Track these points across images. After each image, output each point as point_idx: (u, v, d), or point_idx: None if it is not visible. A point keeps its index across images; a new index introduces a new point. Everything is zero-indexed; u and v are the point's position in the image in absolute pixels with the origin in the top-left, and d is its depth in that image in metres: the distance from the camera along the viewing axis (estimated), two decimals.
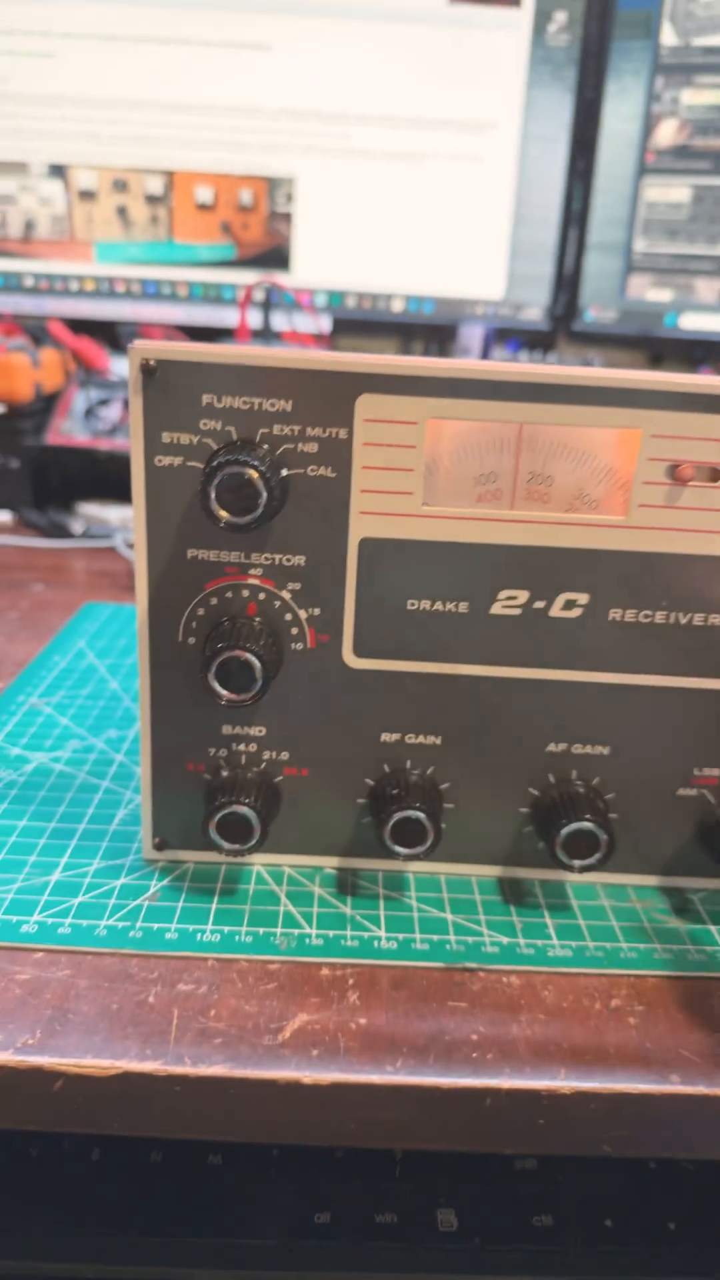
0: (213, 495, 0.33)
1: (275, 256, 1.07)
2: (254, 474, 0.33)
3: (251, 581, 0.37)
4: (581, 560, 0.37)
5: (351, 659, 0.38)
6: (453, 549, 0.37)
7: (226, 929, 0.38)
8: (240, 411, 0.35)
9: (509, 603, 0.38)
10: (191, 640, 0.38)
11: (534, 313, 1.08)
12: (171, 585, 0.37)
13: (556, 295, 1.08)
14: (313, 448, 0.35)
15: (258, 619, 0.37)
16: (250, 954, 0.37)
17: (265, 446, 0.35)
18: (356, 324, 1.10)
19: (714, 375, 0.34)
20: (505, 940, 0.38)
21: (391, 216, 1.05)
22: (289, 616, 0.38)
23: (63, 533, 0.88)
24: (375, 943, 0.38)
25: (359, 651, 0.38)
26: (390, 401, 0.35)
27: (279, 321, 1.01)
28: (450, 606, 0.38)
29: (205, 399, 0.35)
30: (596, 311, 1.07)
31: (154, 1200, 0.40)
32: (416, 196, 1.05)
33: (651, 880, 0.42)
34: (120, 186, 1.05)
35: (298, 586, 0.37)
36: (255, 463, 0.33)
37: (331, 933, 0.38)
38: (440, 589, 0.38)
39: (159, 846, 0.41)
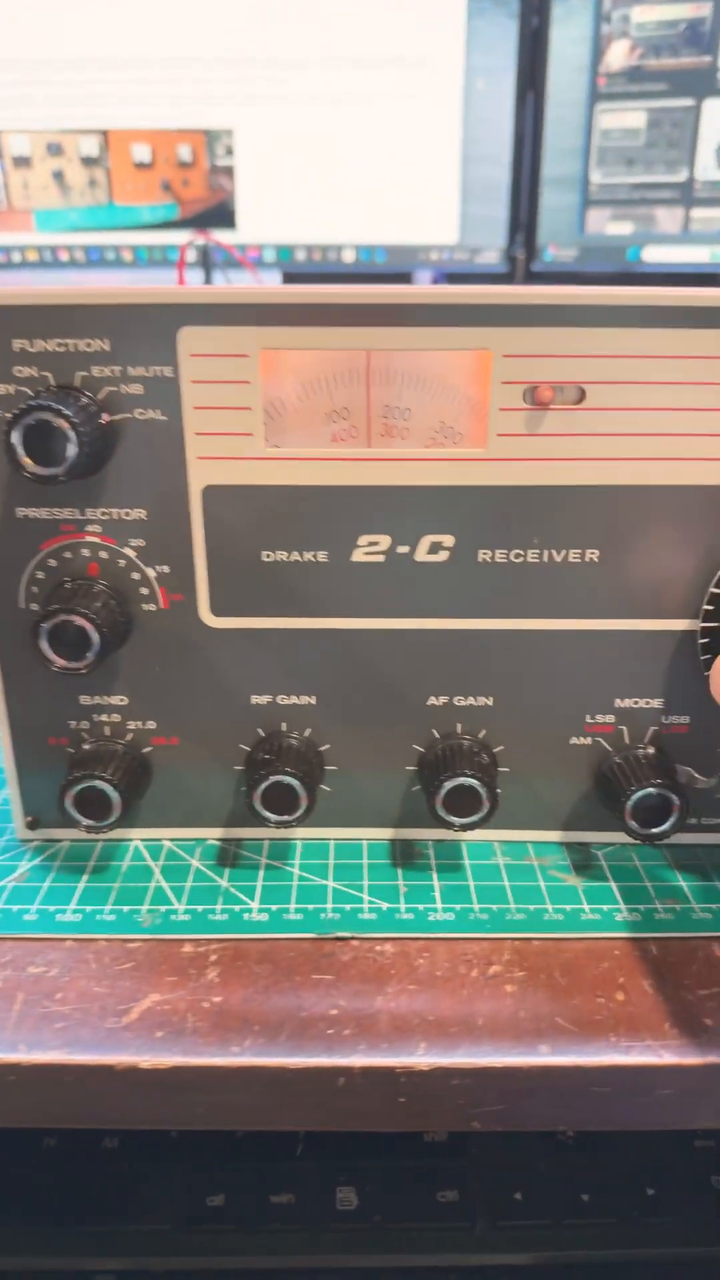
0: (17, 446, 0.31)
1: (220, 213, 1.04)
2: (59, 420, 0.30)
3: (90, 539, 0.35)
4: (442, 499, 0.34)
5: (210, 618, 0.36)
6: (304, 493, 0.34)
7: (90, 908, 0.36)
8: (55, 355, 0.32)
9: (370, 549, 0.35)
10: (35, 606, 0.36)
11: (491, 255, 1.04)
12: (5, 548, 0.35)
13: (513, 236, 1.04)
14: (138, 389, 0.33)
15: (101, 580, 0.35)
16: (111, 933, 0.35)
17: (86, 391, 0.33)
18: (307, 278, 1.06)
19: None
20: (385, 906, 0.36)
21: (337, 164, 1.01)
22: (136, 576, 0.35)
23: None
24: (245, 915, 0.36)
25: (216, 610, 0.36)
26: (215, 333, 0.32)
27: (220, 282, 0.98)
28: (308, 556, 0.35)
29: (17, 344, 0.32)
30: (555, 250, 1.03)
31: (44, 1188, 0.39)
32: (361, 141, 1.00)
33: (552, 835, 0.40)
34: (55, 150, 1.02)
35: (141, 543, 0.35)
36: (59, 407, 0.30)
37: (201, 907, 0.36)
38: (295, 538, 0.35)
39: (32, 825, 0.39)
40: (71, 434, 0.31)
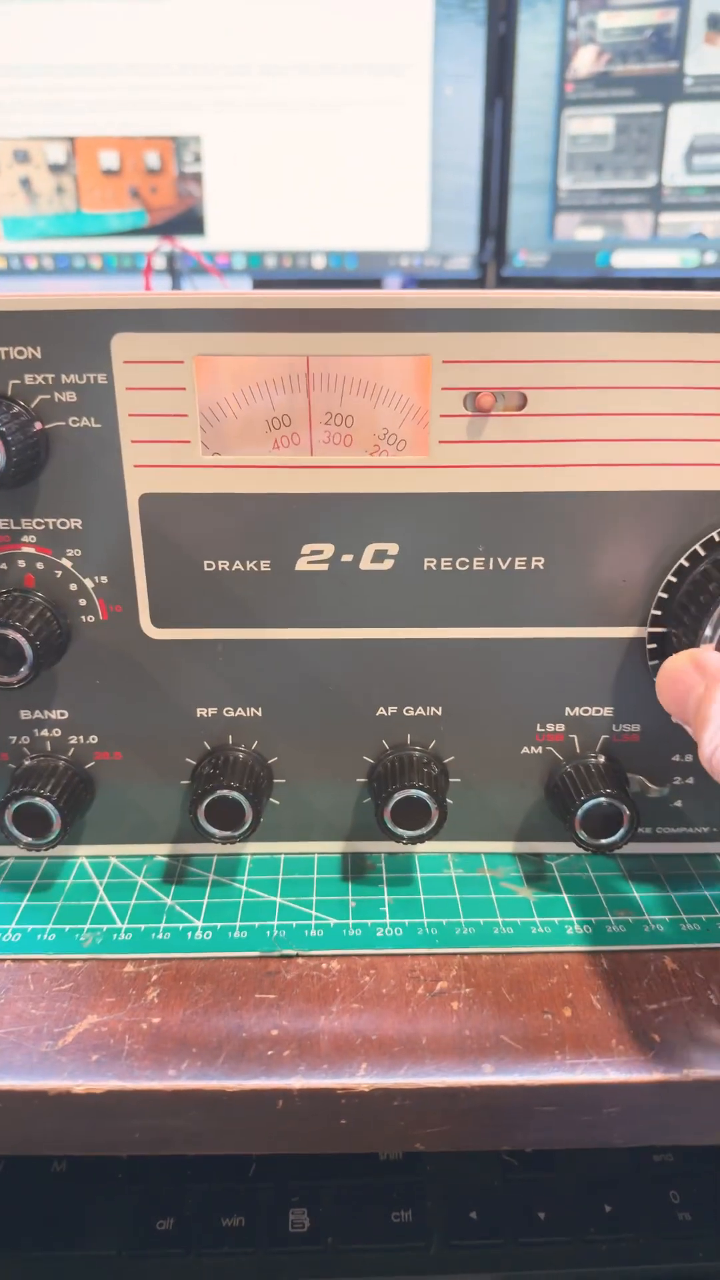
0: None
1: (188, 220, 1.03)
2: None
3: (26, 550, 0.34)
4: (385, 507, 0.34)
5: (151, 629, 0.35)
6: (244, 501, 0.34)
7: (31, 927, 0.35)
8: None
9: (314, 558, 0.34)
10: None
11: (461, 261, 1.04)
12: None
13: (483, 241, 1.03)
14: (71, 396, 0.32)
15: (37, 592, 0.34)
16: (51, 953, 0.34)
17: (18, 400, 0.32)
18: (278, 284, 1.05)
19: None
20: (333, 922, 0.35)
21: (306, 170, 1.01)
22: (73, 586, 0.35)
23: None
24: (190, 934, 0.35)
25: (158, 621, 0.35)
26: (149, 340, 0.31)
27: (189, 289, 0.98)
28: (251, 565, 0.35)
29: None
30: (526, 255, 1.03)
31: None
32: (330, 147, 1.00)
33: (505, 846, 0.39)
34: (22, 157, 1.01)
35: (78, 553, 0.34)
36: None
37: (144, 926, 0.35)
38: (237, 547, 0.34)
39: None
40: (0, 444, 0.30)
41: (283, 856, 0.39)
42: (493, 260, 1.04)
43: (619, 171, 0.98)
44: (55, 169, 1.01)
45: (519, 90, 0.97)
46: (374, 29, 0.96)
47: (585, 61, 0.95)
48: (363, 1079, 0.29)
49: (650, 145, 0.96)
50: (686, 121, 0.95)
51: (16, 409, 0.31)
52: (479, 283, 1.04)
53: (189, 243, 1.00)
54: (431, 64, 0.97)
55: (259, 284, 1.05)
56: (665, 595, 0.34)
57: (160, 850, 0.39)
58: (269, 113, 0.99)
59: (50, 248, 1.03)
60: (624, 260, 1.01)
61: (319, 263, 1.04)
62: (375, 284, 1.05)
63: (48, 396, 0.32)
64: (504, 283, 1.04)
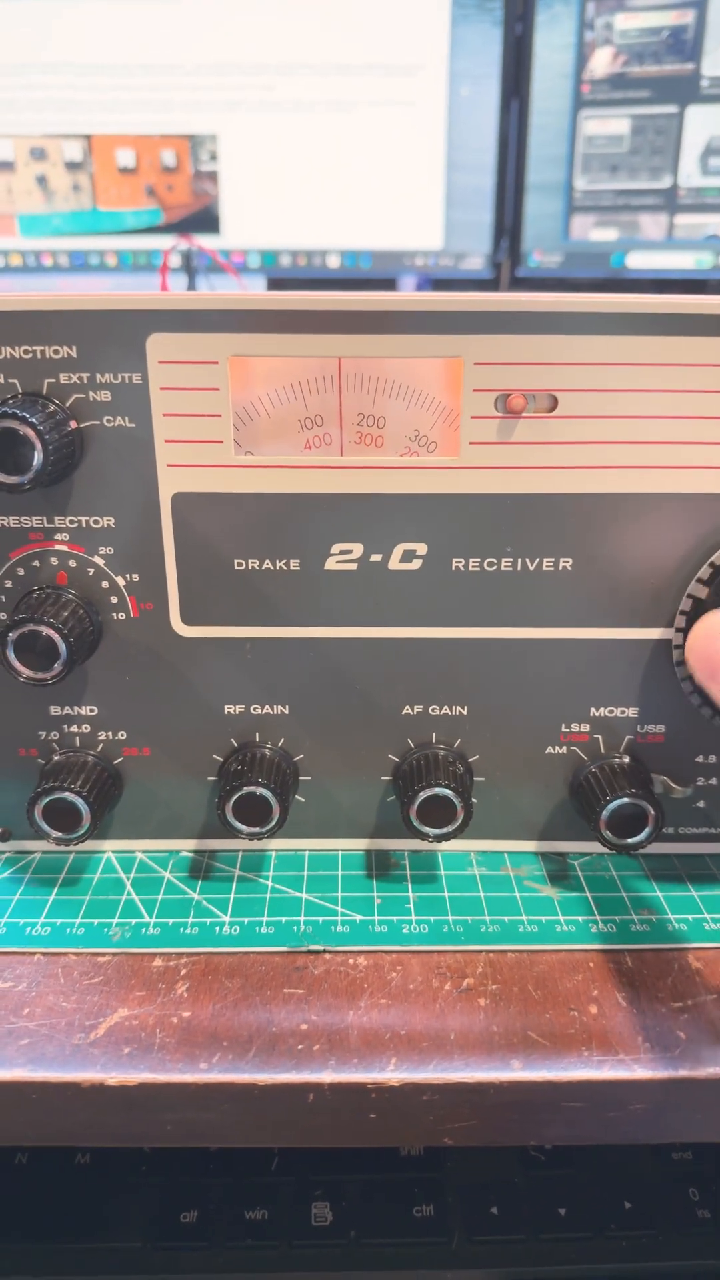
0: None
1: (204, 218, 1.03)
2: (24, 428, 0.30)
3: (59, 548, 0.34)
4: (415, 507, 0.34)
5: (181, 627, 0.36)
6: (275, 501, 0.34)
7: (60, 921, 0.35)
8: (22, 362, 0.32)
9: (343, 558, 0.35)
10: (2, 615, 0.35)
11: (476, 261, 1.04)
12: None
13: (498, 241, 1.03)
14: (106, 396, 0.32)
15: (69, 590, 0.35)
16: (81, 947, 0.34)
17: (54, 399, 0.32)
18: (292, 283, 1.06)
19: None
20: (359, 918, 0.36)
21: (321, 169, 1.01)
22: (105, 584, 0.35)
23: None
24: (218, 929, 0.35)
25: (187, 619, 0.36)
26: (184, 340, 0.32)
27: (204, 287, 0.98)
28: (280, 564, 0.35)
29: None
30: (540, 256, 1.03)
31: (15, 1205, 0.38)
32: (346, 147, 1.00)
33: (528, 846, 0.39)
34: (39, 155, 1.01)
35: (110, 551, 0.35)
36: (25, 415, 0.30)
37: (172, 920, 0.35)
38: (267, 546, 0.35)
39: (2, 837, 0.39)
40: (37, 442, 0.30)
41: (307, 853, 0.39)
42: (507, 260, 1.04)
43: (634, 173, 0.98)
44: (72, 167, 1.01)
45: (535, 91, 0.97)
46: (391, 29, 0.96)
47: (602, 62, 0.96)
48: (392, 1074, 0.29)
49: (666, 146, 0.96)
50: (703, 123, 0.95)
51: (52, 407, 0.32)
52: (493, 283, 1.04)
53: (204, 241, 1.01)
54: (448, 64, 0.97)
55: (273, 283, 1.05)
56: (693, 596, 0.35)
57: (186, 845, 0.39)
58: (285, 112, 0.99)
59: (66, 245, 1.04)
60: (638, 261, 1.01)
61: (333, 262, 1.04)
62: (389, 284, 1.05)
63: (83, 395, 0.32)
64: (518, 283, 1.04)
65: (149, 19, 0.96)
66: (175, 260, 0.95)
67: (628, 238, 1.00)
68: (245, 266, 1.03)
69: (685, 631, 0.35)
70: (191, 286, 0.95)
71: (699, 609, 0.34)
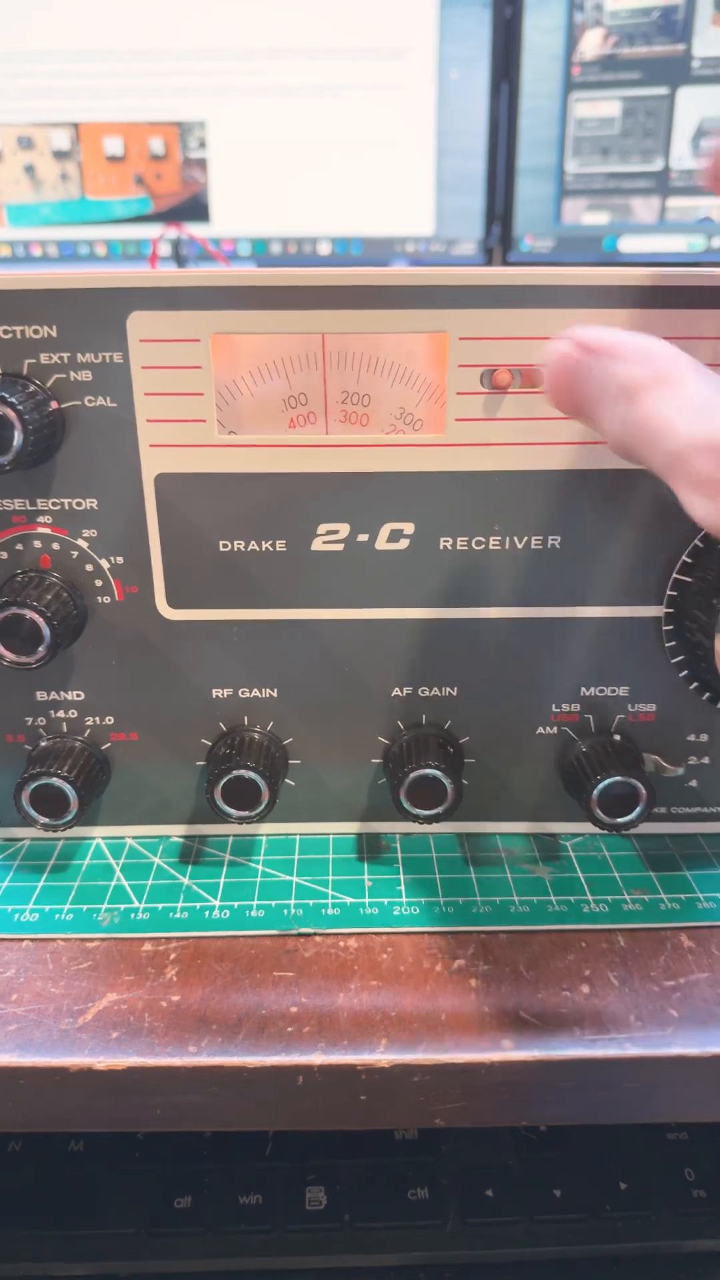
0: None
1: (193, 206, 1.02)
2: (4, 408, 0.29)
3: (41, 530, 0.34)
4: (401, 486, 0.34)
5: (167, 610, 0.35)
6: (260, 481, 0.34)
7: (48, 907, 0.35)
8: (2, 342, 0.32)
9: (330, 538, 0.34)
10: None
11: (467, 247, 1.03)
12: None
13: (489, 226, 1.03)
14: (87, 376, 0.32)
15: (53, 573, 0.34)
16: (69, 933, 0.34)
17: (34, 379, 0.32)
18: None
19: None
20: (350, 901, 0.35)
21: (311, 155, 1.00)
22: (89, 567, 0.35)
23: None
24: (208, 913, 0.35)
25: (173, 602, 0.35)
26: (165, 318, 0.31)
27: None
28: (266, 545, 0.35)
29: None
30: (532, 241, 1.02)
31: (8, 1192, 0.38)
32: (335, 132, 0.99)
33: (519, 827, 0.39)
34: (26, 144, 1.01)
35: (94, 533, 0.34)
36: (4, 395, 0.29)
37: (161, 905, 0.35)
38: (253, 527, 0.34)
39: None
40: (17, 422, 0.30)
41: (298, 837, 0.39)
42: (499, 245, 1.03)
43: (626, 155, 0.97)
44: (59, 155, 1.01)
45: (525, 74, 0.97)
46: (379, 13, 0.95)
47: (592, 44, 0.95)
48: (383, 1055, 0.29)
49: (657, 129, 0.96)
50: (694, 105, 0.94)
51: (33, 388, 0.31)
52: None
53: (194, 229, 1.00)
54: (437, 48, 0.96)
55: None
56: (682, 574, 0.34)
57: (176, 831, 0.39)
58: (274, 98, 0.98)
59: (55, 235, 1.03)
60: (630, 245, 1.00)
61: (324, 249, 1.03)
62: None
63: (63, 375, 0.32)
64: (510, 268, 1.04)
65: (136, 4, 0.95)
66: (165, 249, 0.95)
67: (620, 221, 1.00)
68: (235, 254, 1.02)
69: (674, 609, 0.35)
70: None
71: (686, 587, 0.34)
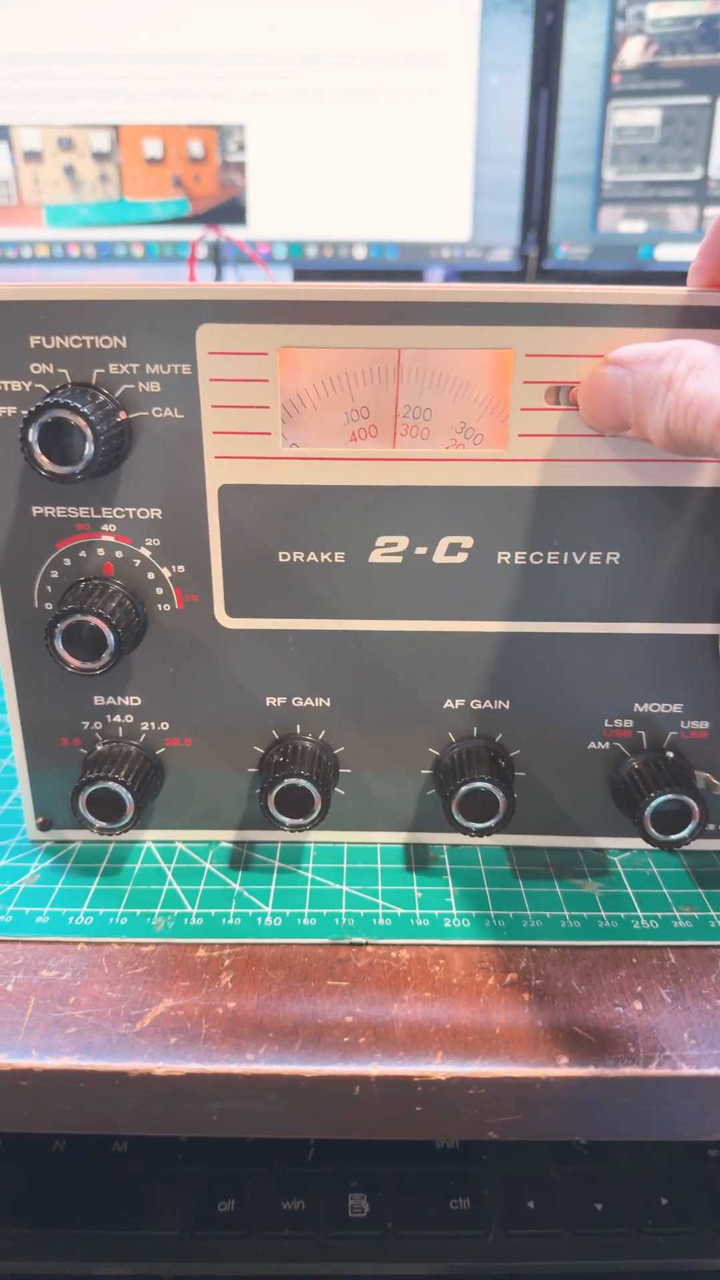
0: (34, 443, 0.30)
1: (231, 209, 1.03)
2: (76, 418, 0.30)
3: (105, 539, 0.34)
4: (461, 500, 0.34)
5: (225, 619, 0.36)
6: (321, 493, 0.34)
7: (103, 911, 0.36)
8: (72, 352, 0.32)
9: (388, 550, 0.35)
10: (49, 606, 0.35)
11: (503, 253, 1.03)
12: (20, 547, 0.34)
13: (525, 233, 1.03)
14: (155, 387, 0.32)
15: (116, 580, 0.35)
16: (124, 936, 0.34)
17: (103, 389, 0.32)
18: (318, 274, 1.05)
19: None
20: (400, 911, 0.36)
21: (349, 160, 1.01)
22: (151, 575, 0.35)
23: None
24: (260, 920, 0.35)
25: (232, 610, 0.36)
26: (234, 331, 0.32)
27: (231, 278, 0.98)
28: (325, 557, 0.35)
29: (34, 341, 0.32)
30: (568, 248, 1.02)
31: (53, 1192, 0.39)
32: (373, 137, 1.00)
33: (569, 841, 0.39)
34: (66, 145, 1.01)
35: (156, 542, 0.35)
36: (76, 405, 0.30)
37: (214, 911, 0.36)
38: (312, 538, 0.34)
39: (43, 826, 0.39)
40: (88, 432, 0.30)
41: (346, 845, 0.39)
42: (534, 252, 1.03)
43: (664, 164, 0.97)
44: (99, 157, 1.01)
45: (565, 81, 0.97)
46: (420, 18, 0.95)
47: (633, 52, 0.95)
48: (439, 1067, 0.29)
49: (697, 138, 0.96)
50: None
51: (102, 398, 0.32)
52: (520, 275, 1.04)
53: (231, 232, 1.00)
54: (477, 54, 0.96)
55: (299, 274, 1.05)
56: None
57: (225, 836, 0.39)
58: (313, 102, 0.99)
59: (93, 236, 1.04)
60: (667, 254, 1.00)
61: (360, 253, 1.04)
62: (416, 275, 1.04)
63: (132, 386, 0.32)
64: (544, 275, 1.04)
65: (177, 8, 0.95)
66: (202, 251, 0.95)
67: (657, 230, 0.99)
68: (272, 257, 1.03)
69: None
70: (219, 278, 0.95)
71: None
